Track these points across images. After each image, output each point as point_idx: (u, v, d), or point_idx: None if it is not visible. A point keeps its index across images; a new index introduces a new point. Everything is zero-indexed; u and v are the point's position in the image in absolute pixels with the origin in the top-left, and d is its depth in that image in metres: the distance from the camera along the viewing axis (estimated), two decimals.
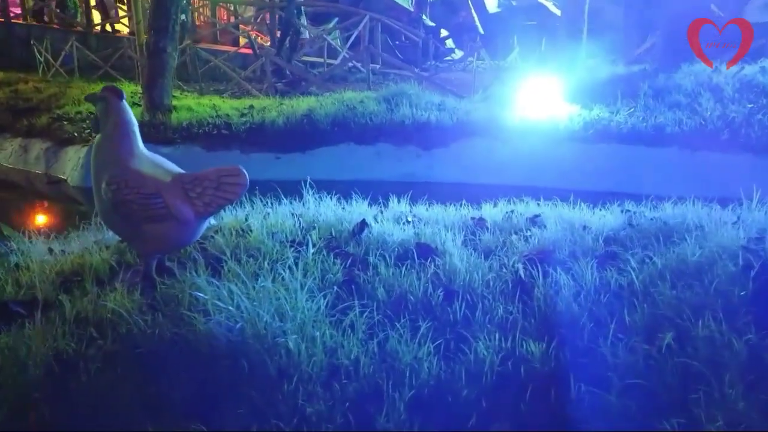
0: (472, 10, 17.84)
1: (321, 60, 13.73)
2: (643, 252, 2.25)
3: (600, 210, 2.99)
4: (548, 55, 10.02)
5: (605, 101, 7.13)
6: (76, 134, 7.90)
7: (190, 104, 8.31)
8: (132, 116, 2.07)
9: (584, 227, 2.65)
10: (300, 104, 8.07)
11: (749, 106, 6.60)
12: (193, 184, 2.02)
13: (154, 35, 7.59)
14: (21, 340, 1.79)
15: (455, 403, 1.67)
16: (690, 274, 2.03)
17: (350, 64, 13.33)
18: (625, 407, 1.56)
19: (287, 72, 11.44)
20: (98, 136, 2.10)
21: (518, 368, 1.76)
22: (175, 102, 8.31)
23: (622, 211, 2.85)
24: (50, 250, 2.56)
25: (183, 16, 10.02)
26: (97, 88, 9.92)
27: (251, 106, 8.16)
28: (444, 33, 17.62)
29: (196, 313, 1.83)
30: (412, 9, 16.95)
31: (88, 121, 7.90)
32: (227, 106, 8.32)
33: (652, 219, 2.58)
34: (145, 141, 2.15)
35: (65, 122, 8.29)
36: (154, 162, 2.08)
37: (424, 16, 16.98)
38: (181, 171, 2.12)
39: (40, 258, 2.47)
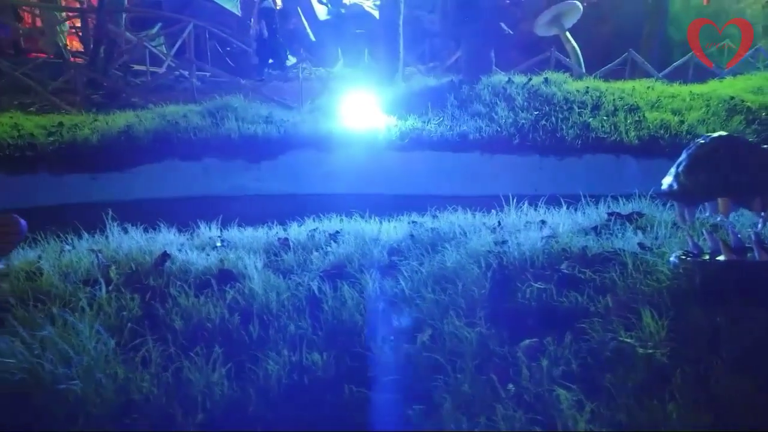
0: (302, 18, 18.10)
1: (144, 68, 13.06)
2: (415, 261, 2.63)
3: (392, 222, 3.36)
4: (370, 64, 10.59)
5: (418, 111, 7.78)
6: None
7: None
8: None
9: (374, 240, 2.99)
10: (117, 120, 7.66)
11: (536, 113, 7.64)
12: None
13: None
14: None
15: (243, 418, 1.86)
16: (447, 279, 2.44)
17: (177, 73, 12.85)
18: (383, 401, 1.87)
19: (104, 83, 10.73)
20: None
21: (302, 378, 2.00)
22: None
23: (408, 223, 3.24)
24: None
25: None
26: None
27: (61, 124, 7.56)
28: None
29: None
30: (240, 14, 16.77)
31: None
32: (32, 124, 7.61)
33: (426, 229, 2.99)
34: None
35: None
36: None
37: (253, 22, 16.86)
38: None
39: None
